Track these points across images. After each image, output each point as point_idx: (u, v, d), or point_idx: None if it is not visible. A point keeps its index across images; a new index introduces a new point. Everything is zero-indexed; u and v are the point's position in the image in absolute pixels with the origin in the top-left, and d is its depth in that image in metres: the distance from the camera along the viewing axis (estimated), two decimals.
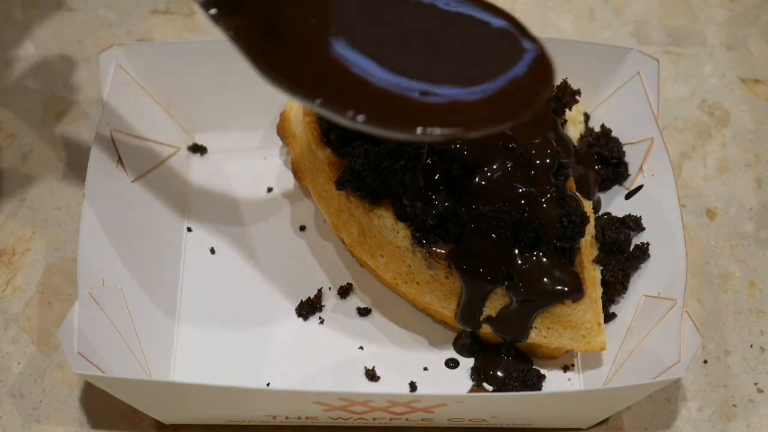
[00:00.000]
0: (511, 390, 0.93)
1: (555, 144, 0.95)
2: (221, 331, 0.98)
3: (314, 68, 0.81)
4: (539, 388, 0.94)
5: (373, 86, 0.80)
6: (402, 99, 0.80)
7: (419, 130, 0.77)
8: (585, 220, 0.92)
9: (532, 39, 0.83)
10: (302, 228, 1.05)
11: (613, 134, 1.04)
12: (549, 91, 0.80)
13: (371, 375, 0.95)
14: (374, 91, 0.80)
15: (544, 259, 0.91)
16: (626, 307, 0.96)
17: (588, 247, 0.96)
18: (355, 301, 1.01)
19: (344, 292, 1.01)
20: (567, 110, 1.02)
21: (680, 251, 0.92)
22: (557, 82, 1.01)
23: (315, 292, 1.00)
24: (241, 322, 0.99)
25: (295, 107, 1.03)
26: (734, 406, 0.96)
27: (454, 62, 0.83)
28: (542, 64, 0.82)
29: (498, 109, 0.81)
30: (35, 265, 1.02)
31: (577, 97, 1.01)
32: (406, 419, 0.90)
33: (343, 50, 0.82)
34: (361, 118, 0.77)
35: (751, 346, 0.99)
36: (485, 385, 0.95)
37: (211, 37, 1.18)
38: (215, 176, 1.08)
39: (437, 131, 0.78)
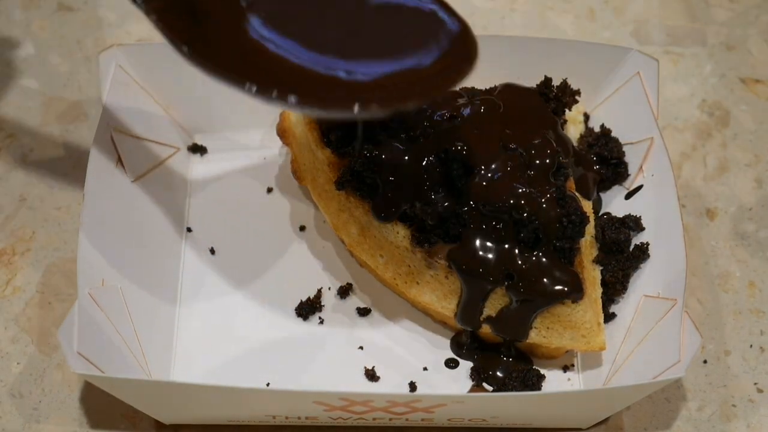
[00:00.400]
0: (511, 390, 0.93)
1: (555, 144, 0.95)
2: (221, 331, 0.98)
3: (241, 51, 0.81)
4: (539, 388, 0.94)
5: (299, 67, 0.81)
6: (330, 79, 0.81)
7: (356, 107, 0.79)
8: (585, 220, 0.92)
9: (455, 16, 0.84)
10: (302, 228, 1.05)
11: (613, 134, 1.04)
12: (472, 67, 0.82)
13: (371, 375, 0.95)
14: (301, 72, 0.81)
15: (544, 259, 0.91)
16: (626, 307, 0.96)
17: (588, 247, 0.96)
18: (355, 301, 1.01)
19: (344, 292, 1.01)
20: (567, 110, 1.02)
21: (680, 251, 0.92)
22: (557, 82, 1.01)
23: (315, 292, 1.00)
24: (241, 322, 0.99)
25: None
26: (734, 406, 0.96)
27: (378, 39, 0.85)
28: (465, 41, 0.84)
29: (423, 85, 0.82)
30: (35, 265, 1.02)
31: (577, 97, 1.01)
32: (406, 419, 0.90)
33: (267, 32, 0.82)
34: (292, 99, 0.78)
35: (751, 346, 0.99)
36: (485, 385, 0.95)
37: None
38: (215, 176, 1.08)
39: (364, 108, 0.79)
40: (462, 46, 0.84)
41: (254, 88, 0.79)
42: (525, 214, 0.90)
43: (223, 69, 0.80)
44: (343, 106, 0.79)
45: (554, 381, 0.96)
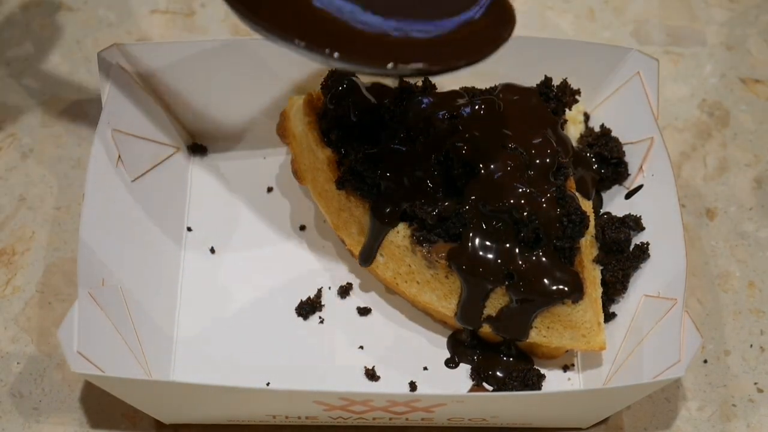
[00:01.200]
0: (511, 390, 0.93)
1: (555, 144, 0.95)
2: (221, 331, 0.98)
3: (290, 11, 0.84)
4: (539, 388, 0.94)
5: (346, 25, 0.84)
6: (374, 37, 0.83)
7: (390, 65, 0.81)
8: (585, 219, 0.92)
9: None
10: (302, 228, 1.05)
11: (613, 134, 1.04)
12: (510, 32, 0.85)
13: (371, 375, 0.95)
14: (347, 29, 0.83)
15: (544, 259, 0.91)
16: (626, 307, 0.96)
17: (588, 246, 0.96)
18: (355, 300, 1.01)
19: (344, 292, 1.01)
20: (567, 110, 1.02)
21: (680, 251, 0.92)
22: (557, 82, 1.01)
23: (315, 292, 1.00)
24: (241, 322, 0.99)
25: (295, 107, 1.03)
26: (734, 405, 0.96)
27: (420, 2, 0.87)
28: (502, 6, 0.86)
29: (464, 47, 0.84)
30: (35, 265, 1.02)
31: (577, 97, 1.01)
32: (406, 419, 0.90)
33: None
34: (336, 54, 0.81)
35: (751, 346, 0.99)
36: (485, 385, 0.95)
37: (211, 37, 1.19)
38: (215, 176, 1.08)
39: (407, 66, 0.82)
40: (500, 12, 0.86)
41: (302, 44, 0.82)
42: (525, 214, 0.90)
43: (274, 26, 0.83)
44: (383, 63, 0.82)
45: (554, 381, 0.96)
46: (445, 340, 0.98)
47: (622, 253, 0.97)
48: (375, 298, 1.01)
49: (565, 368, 0.97)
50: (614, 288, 0.97)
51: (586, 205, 0.98)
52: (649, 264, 0.96)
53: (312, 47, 0.81)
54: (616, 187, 1.04)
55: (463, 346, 0.97)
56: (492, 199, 0.90)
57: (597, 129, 1.05)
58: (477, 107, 0.96)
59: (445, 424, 0.92)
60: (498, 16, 0.86)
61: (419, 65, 0.82)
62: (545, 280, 0.90)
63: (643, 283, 0.96)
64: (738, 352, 0.99)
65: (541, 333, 0.93)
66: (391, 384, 0.95)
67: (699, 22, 1.23)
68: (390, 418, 0.90)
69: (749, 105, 1.16)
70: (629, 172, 1.03)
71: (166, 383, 0.89)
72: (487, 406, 0.88)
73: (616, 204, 1.02)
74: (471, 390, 0.95)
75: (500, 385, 0.94)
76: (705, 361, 0.98)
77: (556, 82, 1.01)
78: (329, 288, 1.01)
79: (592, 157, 1.03)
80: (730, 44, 1.21)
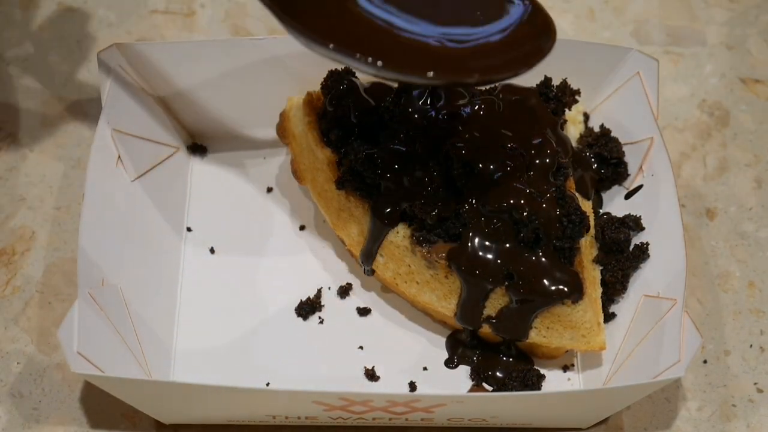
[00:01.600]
0: (511, 390, 0.93)
1: (554, 144, 0.95)
2: (221, 330, 0.98)
3: (333, 17, 0.84)
4: (539, 388, 0.94)
5: (389, 33, 0.83)
6: (417, 45, 0.83)
7: (431, 73, 0.81)
8: (585, 220, 0.92)
9: None
10: (302, 228, 1.05)
11: (613, 134, 1.04)
12: (552, 43, 0.85)
13: (371, 375, 0.95)
14: (390, 37, 0.83)
15: (544, 259, 0.91)
16: (626, 307, 0.96)
17: (588, 247, 0.96)
18: (355, 301, 1.01)
19: (344, 292, 1.01)
20: (567, 110, 1.02)
21: (680, 251, 0.92)
22: (557, 82, 1.01)
23: (315, 292, 1.00)
24: (241, 322, 0.99)
25: (294, 107, 1.03)
26: (734, 406, 0.96)
27: (461, 12, 0.86)
28: (540, 17, 0.86)
29: (508, 58, 0.84)
30: (35, 265, 1.02)
31: (577, 97, 1.01)
32: (406, 419, 0.90)
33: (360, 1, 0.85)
34: (379, 63, 0.81)
35: (751, 346, 0.99)
36: (485, 385, 0.95)
37: (211, 37, 1.19)
38: (215, 176, 1.08)
39: (449, 76, 0.82)
40: (539, 23, 0.86)
41: (333, 48, 0.81)
42: (525, 214, 0.90)
43: (312, 32, 0.82)
44: (421, 73, 0.81)
45: (554, 381, 0.96)
46: (444, 340, 0.98)
47: (622, 253, 0.97)
48: (375, 298, 1.01)
49: (565, 368, 0.97)
50: (614, 288, 0.97)
51: (586, 205, 0.98)
52: (649, 264, 0.96)
53: (349, 54, 0.81)
54: (616, 187, 1.04)
55: (462, 346, 0.97)
56: (492, 199, 0.90)
57: (597, 129, 1.05)
58: (477, 107, 0.96)
59: (445, 425, 0.92)
60: (537, 27, 0.85)
61: (458, 77, 0.81)
62: (545, 281, 0.90)
63: (642, 283, 0.96)
64: (738, 352, 0.99)
65: (541, 333, 0.93)
66: (391, 384, 0.95)
67: (699, 22, 1.22)
68: (390, 419, 0.90)
69: (749, 105, 1.16)
70: (629, 172, 1.03)
71: (166, 383, 0.89)
72: (486, 407, 0.88)
73: (616, 204, 1.02)
74: (471, 390, 0.95)
75: (500, 386, 0.94)
76: (705, 361, 0.98)
77: (555, 82, 1.01)
78: (329, 288, 1.01)
79: (592, 157, 1.03)
80: (730, 44, 1.21)
